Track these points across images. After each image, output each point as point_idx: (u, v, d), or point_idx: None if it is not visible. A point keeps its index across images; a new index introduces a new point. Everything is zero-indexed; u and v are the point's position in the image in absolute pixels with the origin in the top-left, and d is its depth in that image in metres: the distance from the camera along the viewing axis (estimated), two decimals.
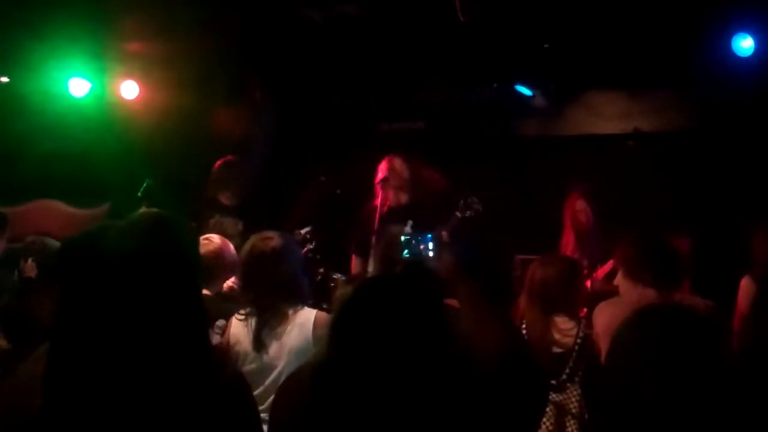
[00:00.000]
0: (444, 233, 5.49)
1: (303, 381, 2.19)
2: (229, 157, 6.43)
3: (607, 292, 4.32)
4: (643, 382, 1.91)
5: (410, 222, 5.54)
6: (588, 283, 5.52)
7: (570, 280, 4.09)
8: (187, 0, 6.18)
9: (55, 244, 4.51)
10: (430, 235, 2.68)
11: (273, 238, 3.68)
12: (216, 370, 1.92)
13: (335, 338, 2.08)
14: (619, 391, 1.97)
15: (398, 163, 6.12)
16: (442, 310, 2.28)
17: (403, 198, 6.07)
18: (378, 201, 6.05)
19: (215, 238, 4.36)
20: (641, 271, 3.73)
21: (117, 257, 1.82)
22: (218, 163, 6.38)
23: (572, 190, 6.31)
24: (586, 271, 5.56)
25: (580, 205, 6.20)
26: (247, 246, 3.74)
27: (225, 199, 6.26)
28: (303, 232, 5.61)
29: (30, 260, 4.47)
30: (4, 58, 6.64)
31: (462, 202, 5.73)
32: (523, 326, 4.02)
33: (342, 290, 3.14)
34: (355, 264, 6.15)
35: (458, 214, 5.71)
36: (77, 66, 6.94)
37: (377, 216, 5.96)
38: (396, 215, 5.84)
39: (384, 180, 6.03)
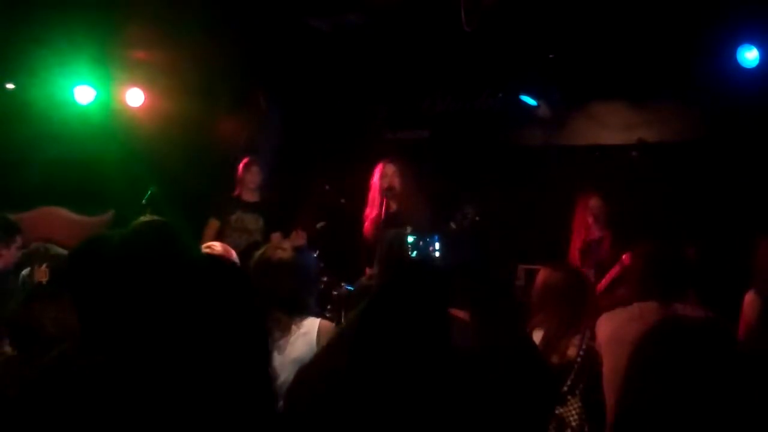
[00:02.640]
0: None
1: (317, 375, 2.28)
2: (250, 158, 6.82)
3: (614, 302, 4.30)
4: (667, 394, 1.90)
5: (409, 227, 5.54)
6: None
7: (576, 289, 4.07)
8: (192, 8, 6.20)
9: (59, 251, 4.52)
10: (437, 236, 2.69)
11: (285, 251, 3.63)
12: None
13: (356, 347, 2.17)
14: (645, 402, 1.96)
15: (390, 169, 6.17)
16: (447, 316, 2.33)
17: (395, 205, 6.10)
18: (375, 208, 6.10)
19: (217, 247, 4.34)
20: (646, 283, 3.72)
21: (120, 266, 1.82)
22: (242, 163, 6.77)
23: (581, 199, 6.31)
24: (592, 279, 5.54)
25: (589, 213, 6.21)
26: (258, 253, 3.72)
27: (247, 196, 6.70)
28: (318, 226, 6.21)
29: (45, 265, 4.47)
30: (9, 64, 6.67)
31: (459, 213, 5.71)
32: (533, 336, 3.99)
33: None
34: None
35: (453, 225, 5.68)
36: (82, 73, 6.97)
37: (379, 222, 5.97)
38: (390, 221, 5.85)
39: (389, 189, 6.08)
